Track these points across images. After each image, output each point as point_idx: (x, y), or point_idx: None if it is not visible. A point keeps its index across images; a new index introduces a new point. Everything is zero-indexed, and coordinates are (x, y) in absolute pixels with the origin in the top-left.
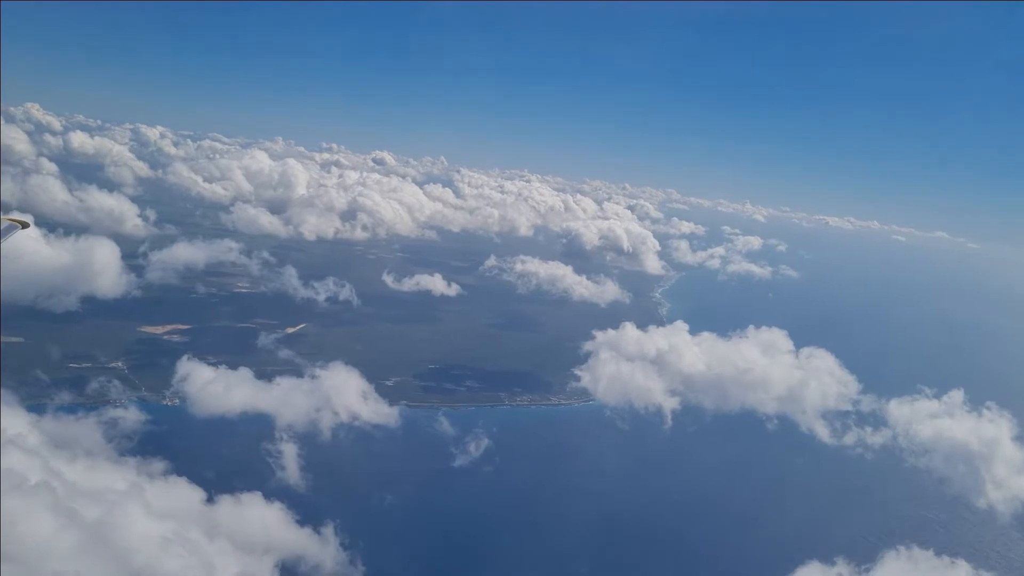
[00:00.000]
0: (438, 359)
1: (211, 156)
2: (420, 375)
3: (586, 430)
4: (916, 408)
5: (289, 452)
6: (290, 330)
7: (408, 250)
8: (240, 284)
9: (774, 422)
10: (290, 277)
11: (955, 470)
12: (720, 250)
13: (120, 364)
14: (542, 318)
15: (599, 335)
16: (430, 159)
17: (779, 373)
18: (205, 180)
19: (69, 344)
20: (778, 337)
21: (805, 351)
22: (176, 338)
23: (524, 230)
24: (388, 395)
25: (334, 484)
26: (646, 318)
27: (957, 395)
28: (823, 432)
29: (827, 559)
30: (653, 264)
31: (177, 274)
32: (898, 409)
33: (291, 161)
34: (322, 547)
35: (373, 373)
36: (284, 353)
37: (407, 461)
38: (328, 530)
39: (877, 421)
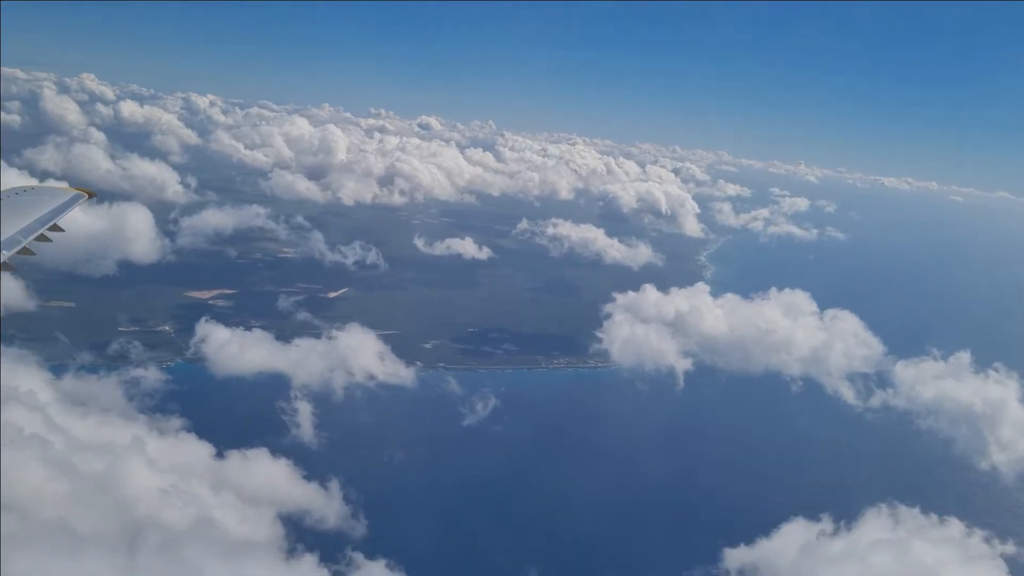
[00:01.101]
0: (476, 323)
1: (257, 123)
2: (459, 338)
3: (615, 391)
4: (922, 370)
5: (304, 411)
6: (332, 294)
7: (447, 214)
8: (284, 250)
9: (798, 383)
10: (331, 243)
11: (960, 431)
12: (764, 212)
13: (167, 328)
14: (578, 281)
15: (631, 297)
16: (479, 123)
17: (802, 335)
18: (247, 147)
19: (118, 308)
20: (801, 299)
21: (829, 313)
22: (222, 303)
23: (564, 194)
24: (426, 358)
25: (346, 442)
26: (689, 281)
27: (964, 357)
28: (841, 393)
29: (825, 516)
30: (692, 227)
31: (220, 240)
32: (904, 371)
33: (331, 127)
34: (327, 502)
35: (412, 336)
36: (326, 317)
37: (420, 421)
38: (334, 486)
39: (890, 383)
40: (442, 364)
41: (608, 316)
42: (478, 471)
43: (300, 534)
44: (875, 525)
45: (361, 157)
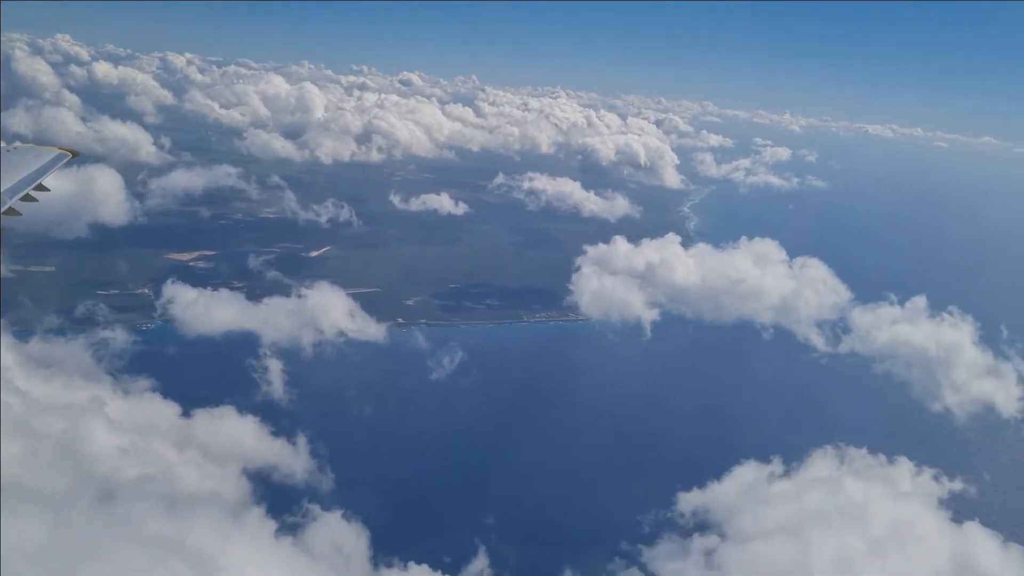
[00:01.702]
0: (458, 278)
1: (234, 82)
2: (440, 294)
3: (589, 343)
4: (879, 315)
5: (273, 368)
6: (314, 253)
7: (425, 170)
8: (264, 210)
9: (768, 331)
10: (309, 201)
11: (914, 375)
12: (746, 162)
13: (147, 291)
14: (558, 235)
15: (602, 249)
16: (462, 78)
17: (772, 284)
18: (222, 106)
19: (98, 272)
20: (771, 248)
21: (798, 261)
22: (202, 264)
23: (545, 148)
24: (408, 314)
25: (315, 399)
26: (671, 232)
27: (920, 301)
28: (809, 340)
29: (776, 458)
30: (672, 178)
31: (192, 201)
32: (862, 317)
33: (308, 85)
34: (295, 457)
35: (394, 293)
36: (308, 276)
37: (391, 377)
38: (302, 441)
39: (853, 329)
40: (424, 320)
41: (578, 269)
42: (444, 424)
43: (266, 489)
44: (821, 466)
45: (339, 115)
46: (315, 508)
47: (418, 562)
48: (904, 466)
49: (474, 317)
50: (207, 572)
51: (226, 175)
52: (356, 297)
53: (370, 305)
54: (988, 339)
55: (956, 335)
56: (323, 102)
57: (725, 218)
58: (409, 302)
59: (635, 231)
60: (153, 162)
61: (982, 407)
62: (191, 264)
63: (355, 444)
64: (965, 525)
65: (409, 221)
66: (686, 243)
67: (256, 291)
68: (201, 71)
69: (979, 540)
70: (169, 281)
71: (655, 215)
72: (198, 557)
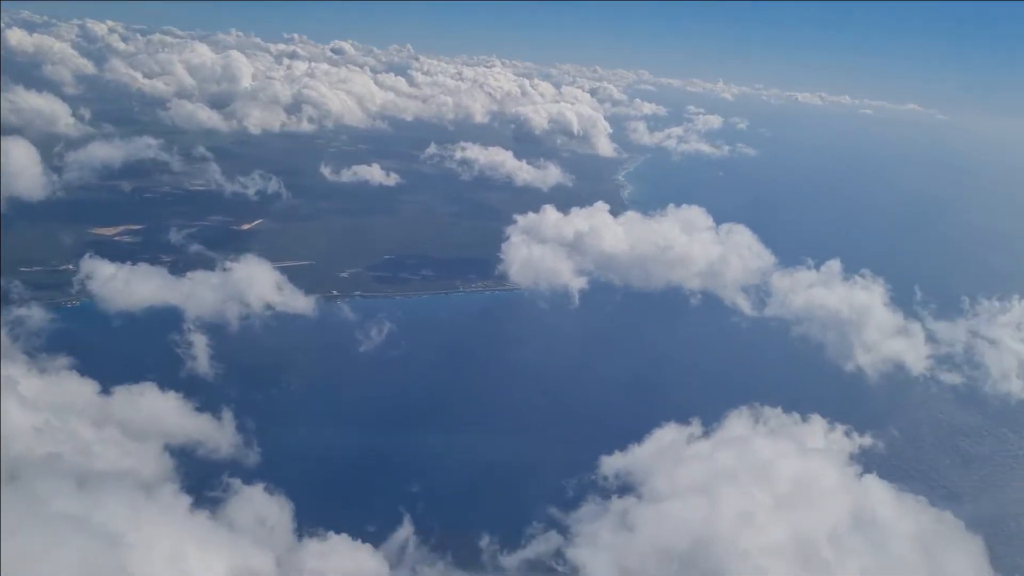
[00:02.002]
0: (393, 249)
1: (158, 51)
2: (375, 266)
3: (519, 312)
4: (796, 279)
5: (198, 343)
6: (246, 226)
7: (358, 141)
8: (193, 183)
9: (696, 297)
10: (237, 173)
11: (829, 336)
12: (678, 130)
13: (71, 267)
14: (493, 204)
15: (532, 218)
16: (396, 47)
17: (699, 250)
18: (145, 76)
19: (17, 248)
20: (698, 215)
21: (725, 227)
22: (127, 239)
23: (479, 117)
24: (342, 287)
25: (241, 373)
26: (606, 200)
27: (834, 265)
28: (736, 305)
29: (698, 420)
30: (605, 146)
31: (111, 174)
32: (780, 281)
33: (234, 53)
34: (219, 432)
35: (328, 266)
36: (239, 250)
37: (319, 350)
38: (227, 416)
39: (773, 293)
40: (358, 292)
41: (507, 238)
42: (372, 396)
43: (187, 465)
44: (737, 426)
45: (268, 84)
46: (236, 482)
47: (341, 532)
48: (817, 424)
49: (409, 288)
50: (114, 548)
51: (147, 146)
52: (289, 270)
53: (303, 278)
54: (903, 300)
55: (868, 297)
56: (251, 71)
57: (658, 186)
58: (343, 274)
59: (568, 199)
60: (72, 134)
61: (893, 366)
62: (116, 239)
63: (282, 417)
64: (865, 478)
65: (342, 192)
66: (620, 211)
67: (186, 265)
68: (124, 40)
69: (876, 492)
70: (87, 256)
71: (588, 183)
72: (105, 533)
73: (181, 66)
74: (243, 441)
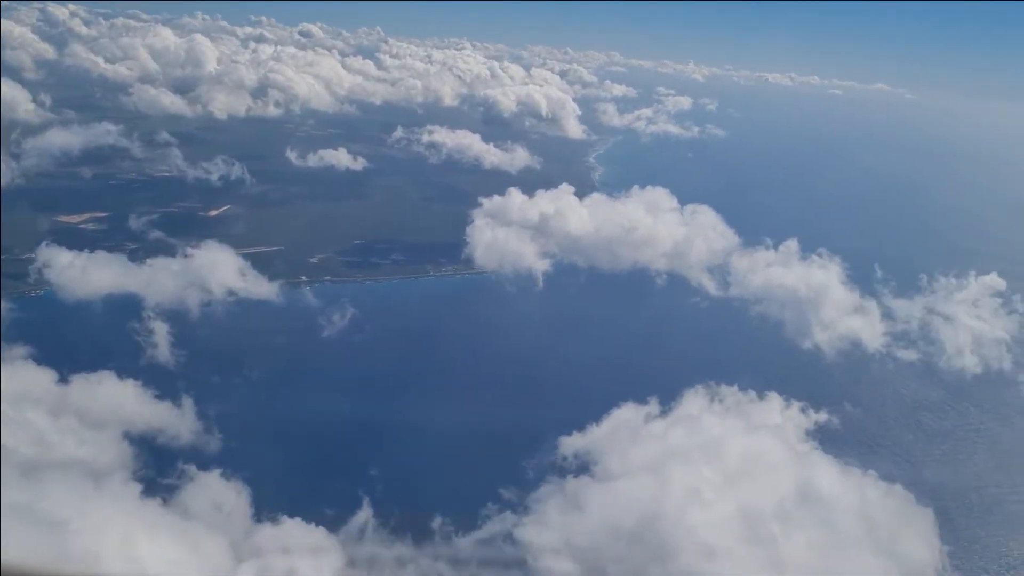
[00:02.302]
0: (364, 234)
1: (122, 35)
2: (345, 251)
3: (486, 295)
4: (755, 259)
5: (158, 331)
6: (213, 212)
7: (325, 125)
8: (159, 169)
9: (662, 278)
10: (200, 158)
11: (787, 315)
12: (648, 112)
13: (33, 256)
14: (463, 187)
15: (496, 201)
16: (365, 30)
17: (664, 231)
18: (107, 61)
19: None
20: (662, 196)
21: (689, 208)
22: (92, 227)
23: (449, 100)
24: (312, 272)
25: (203, 360)
26: (578, 183)
27: (792, 244)
28: (697, 285)
29: (656, 399)
30: (574, 128)
31: (71, 161)
32: (740, 261)
33: (198, 37)
34: (178, 419)
35: (297, 251)
36: (209, 236)
37: (282, 336)
38: (188, 403)
39: (733, 273)
40: (328, 277)
41: (472, 221)
42: (334, 380)
43: (145, 452)
44: (693, 405)
45: (233, 68)
46: (191, 469)
47: (300, 516)
48: (774, 401)
49: (380, 273)
50: (59, 535)
51: (107, 132)
52: (258, 256)
53: (272, 264)
54: (863, 279)
55: (824, 276)
56: (216, 55)
57: (628, 168)
58: (313, 260)
59: (537, 182)
60: (33, 120)
61: (850, 343)
62: (81, 226)
63: (242, 403)
64: (813, 454)
65: (311, 177)
66: (591, 193)
67: (153, 252)
68: (87, 23)
69: (823, 467)
70: (43, 244)
71: (557, 166)
72: (50, 521)
73: (144, 50)
74: (203, 428)
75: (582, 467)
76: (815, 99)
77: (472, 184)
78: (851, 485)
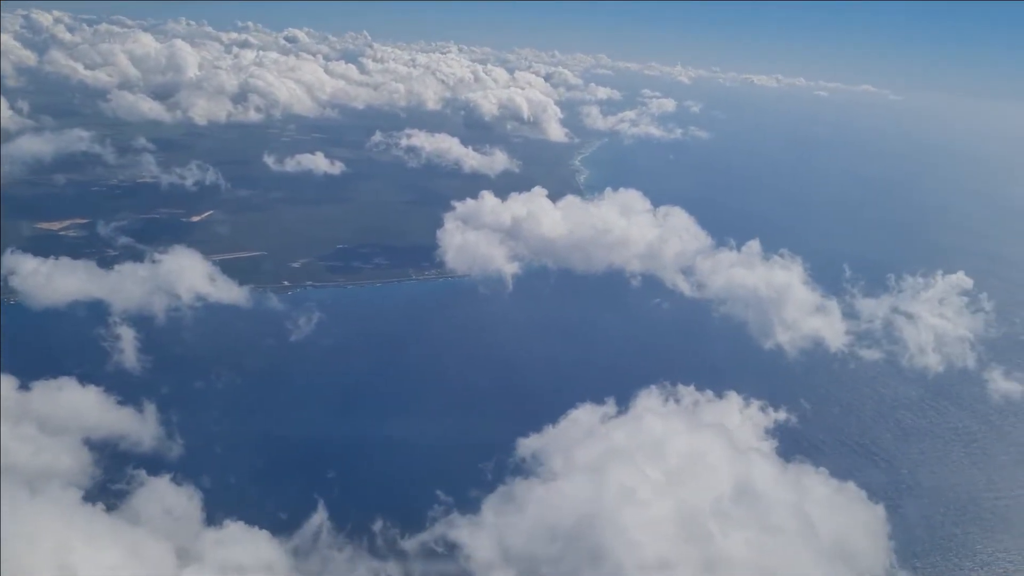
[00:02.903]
0: (347, 238)
1: (104, 40)
2: (327, 255)
3: (464, 298)
4: (718, 260)
5: (124, 336)
6: (196, 218)
7: (306, 129)
8: (139, 175)
9: (637, 279)
10: (187, 164)
11: (750, 315)
12: (631, 114)
13: None
14: (446, 191)
15: (471, 204)
16: (352, 34)
17: (637, 233)
18: (87, 67)
19: None
20: (635, 198)
21: (662, 210)
22: (73, 233)
23: (432, 104)
24: (293, 277)
25: (169, 366)
26: (562, 186)
27: (754, 245)
28: (668, 286)
29: (612, 400)
30: (556, 131)
31: (62, 167)
32: (703, 263)
33: (178, 42)
34: (141, 425)
35: (280, 256)
36: (191, 241)
37: (245, 340)
38: (150, 409)
39: (698, 274)
40: (310, 282)
41: (444, 224)
42: (298, 385)
43: (105, 458)
44: (648, 404)
45: (214, 74)
46: (141, 474)
47: (253, 521)
48: (732, 400)
49: (362, 277)
50: None
51: (78, 139)
52: (240, 261)
53: (255, 269)
54: (833, 278)
55: (786, 276)
56: (196, 60)
57: (609, 170)
58: (295, 264)
59: (519, 185)
60: (10, 127)
61: (812, 343)
62: (62, 233)
63: (205, 409)
64: (755, 452)
65: (294, 182)
66: (574, 195)
67: (137, 258)
68: (70, 30)
69: (767, 466)
70: (8, 251)
71: (537, 168)
72: None
73: (124, 56)
74: (164, 433)
75: (534, 468)
76: (800, 100)
77: (453, 188)
78: (799, 483)
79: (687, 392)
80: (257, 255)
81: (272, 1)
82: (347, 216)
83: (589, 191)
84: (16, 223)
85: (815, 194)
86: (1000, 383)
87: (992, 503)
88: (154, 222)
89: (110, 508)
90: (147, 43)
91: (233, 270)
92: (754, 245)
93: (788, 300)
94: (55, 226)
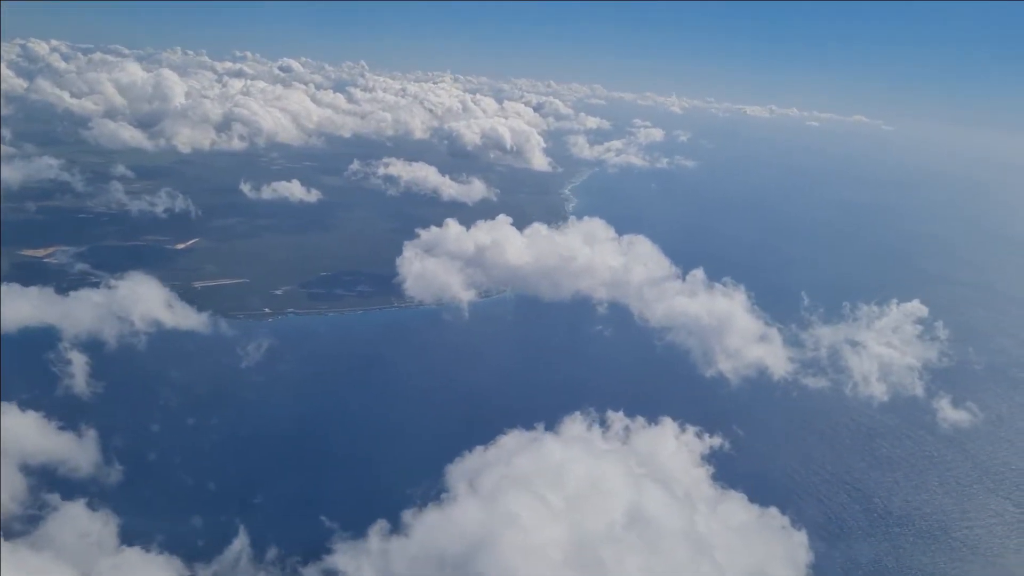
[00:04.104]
0: (331, 266)
1: (97, 69)
2: (310, 283)
3: (432, 326)
4: (664, 289)
5: (76, 362)
6: (180, 246)
7: (290, 158)
8: (126, 202)
9: (604, 306)
10: (168, 193)
11: (693, 343)
12: (617, 144)
13: None
14: (429, 219)
15: (435, 232)
16: (350, 64)
17: (601, 261)
18: (72, 95)
19: None
20: (599, 226)
21: (626, 238)
22: (55, 260)
23: (419, 133)
24: (275, 304)
25: (118, 392)
26: (551, 214)
27: (698, 274)
28: (620, 313)
29: (552, 425)
30: (539, 160)
31: (46, 194)
32: (649, 291)
33: (165, 71)
34: (82, 451)
35: (263, 283)
36: (174, 269)
37: (196, 367)
38: (91, 434)
39: (653, 302)
40: (291, 310)
41: (404, 253)
42: (243, 412)
43: (45, 484)
44: (573, 430)
45: (199, 103)
46: (55, 498)
47: (173, 547)
48: (668, 426)
49: (343, 305)
50: None
51: (47, 167)
52: (223, 288)
53: (236, 296)
54: (790, 307)
55: (728, 304)
56: (183, 89)
57: (591, 198)
58: (277, 292)
59: (495, 213)
60: None
61: (755, 371)
62: (46, 260)
63: (146, 435)
64: (649, 480)
65: (279, 209)
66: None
67: (116, 286)
68: (66, 58)
69: (657, 492)
70: None
71: (519, 197)
72: None
73: (110, 85)
74: (103, 459)
75: (441, 495)
76: (791, 130)
77: (435, 215)
78: (718, 509)
79: (616, 418)
80: (241, 282)
81: (273, 25)
82: (330, 244)
83: (555, 219)
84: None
85: (792, 222)
86: (948, 412)
87: (922, 522)
88: (139, 249)
89: (21, 534)
90: (133, 72)
91: (216, 297)
92: (698, 274)
93: (730, 328)
94: (39, 253)
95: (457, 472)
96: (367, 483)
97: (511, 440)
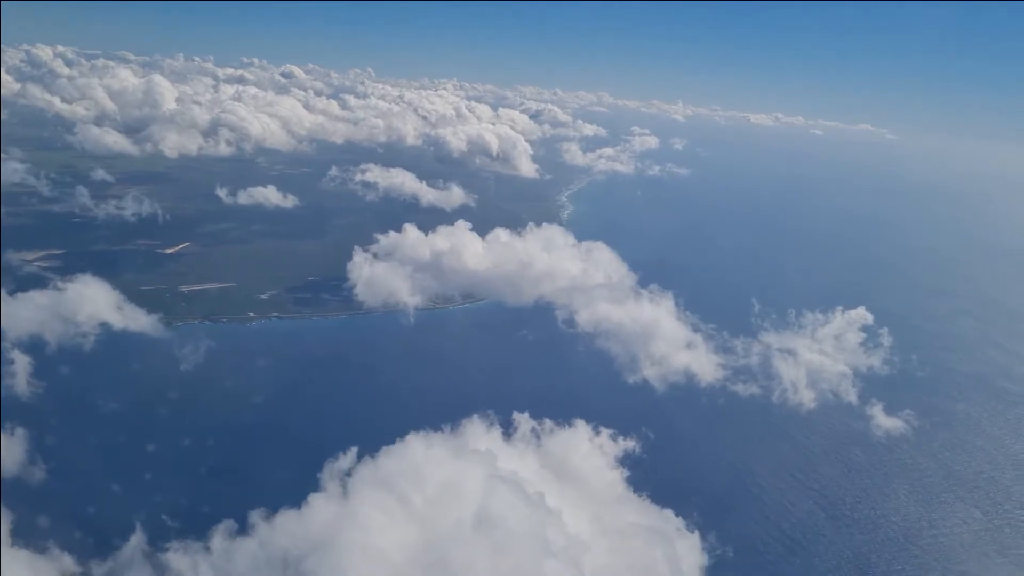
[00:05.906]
0: (318, 271)
1: (102, 76)
2: (297, 287)
3: (392, 330)
4: (595, 294)
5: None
6: (170, 250)
7: (277, 164)
8: (119, 207)
9: (565, 312)
10: (153, 197)
11: (619, 349)
12: (610, 151)
13: None
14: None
15: (394, 237)
16: (356, 71)
17: (561, 266)
18: (63, 100)
19: None
20: (557, 233)
21: (585, 244)
22: (46, 264)
23: (412, 140)
24: (260, 308)
25: (55, 395)
26: (517, 221)
27: (629, 280)
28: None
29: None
30: (527, 167)
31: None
32: (579, 297)
33: (156, 77)
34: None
35: (249, 287)
36: (164, 273)
37: (138, 370)
38: (20, 434)
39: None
40: (276, 314)
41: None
42: (172, 417)
43: None
44: (475, 432)
45: (187, 108)
46: None
47: (63, 546)
48: (581, 429)
49: (328, 309)
50: None
51: (13, 171)
52: (209, 292)
53: (221, 300)
54: (740, 314)
55: (655, 311)
56: (174, 95)
57: (579, 204)
58: (263, 296)
59: (474, 219)
60: None
61: (683, 377)
62: (36, 263)
63: (77, 436)
64: (506, 482)
65: (268, 215)
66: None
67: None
68: (69, 64)
69: (515, 493)
70: None
71: (502, 202)
72: None
73: (101, 90)
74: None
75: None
76: (793, 139)
77: (425, 222)
78: (609, 509)
79: (522, 419)
80: (227, 286)
81: (285, 31)
82: (314, 249)
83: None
84: None
85: (778, 230)
86: (881, 419)
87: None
88: (129, 253)
89: None
90: (125, 77)
91: (202, 301)
92: (631, 280)
93: (656, 335)
94: (28, 257)
95: (333, 473)
96: (248, 487)
97: (411, 443)
